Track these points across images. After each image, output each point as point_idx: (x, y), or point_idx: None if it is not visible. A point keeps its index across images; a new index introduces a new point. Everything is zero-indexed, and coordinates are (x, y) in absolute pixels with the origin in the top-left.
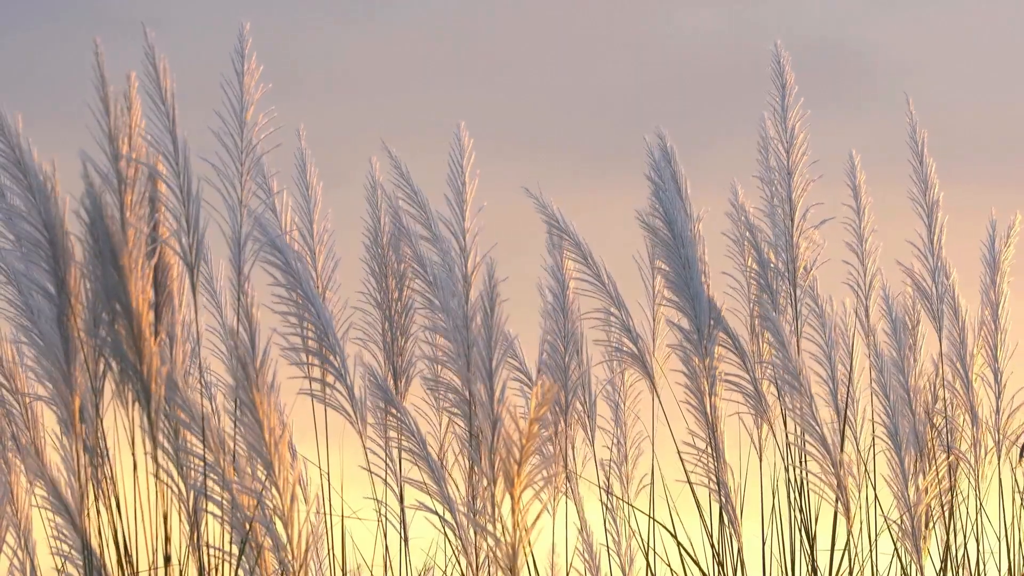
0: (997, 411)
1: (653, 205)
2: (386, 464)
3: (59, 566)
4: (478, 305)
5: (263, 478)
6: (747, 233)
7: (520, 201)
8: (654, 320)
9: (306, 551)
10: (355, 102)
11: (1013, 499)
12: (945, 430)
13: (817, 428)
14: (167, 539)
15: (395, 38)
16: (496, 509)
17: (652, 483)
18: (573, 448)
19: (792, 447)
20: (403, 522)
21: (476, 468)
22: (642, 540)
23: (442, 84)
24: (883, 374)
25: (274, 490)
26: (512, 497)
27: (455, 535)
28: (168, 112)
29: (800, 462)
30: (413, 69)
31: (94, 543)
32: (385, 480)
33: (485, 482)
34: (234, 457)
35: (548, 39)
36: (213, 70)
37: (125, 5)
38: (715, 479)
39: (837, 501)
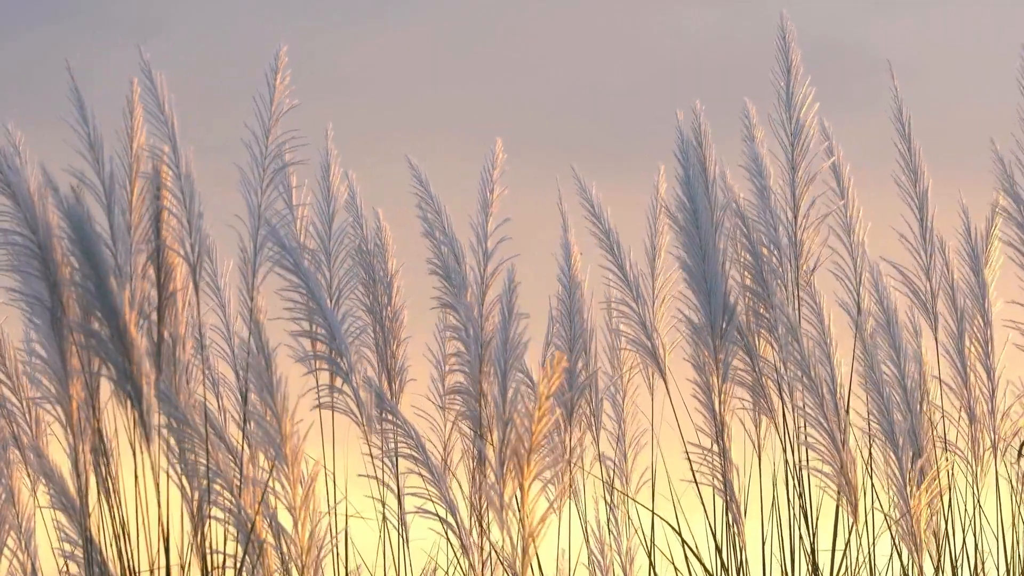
0: (991, 410)
1: (678, 192)
2: (383, 466)
3: (62, 566)
4: (496, 307)
5: (269, 476)
6: (739, 223)
7: (523, 200)
8: (654, 318)
9: (314, 549)
10: (360, 103)
11: (1012, 497)
12: (943, 427)
13: (825, 423)
14: (167, 540)
15: (399, 39)
16: (504, 507)
17: (653, 477)
18: (581, 447)
19: (793, 435)
20: (402, 521)
21: (480, 468)
22: (644, 537)
23: (444, 85)
24: (873, 370)
25: (287, 484)
26: (522, 489)
27: (457, 537)
28: (167, 121)
29: (802, 453)
30: (416, 70)
31: (96, 538)
32: (383, 482)
33: (492, 478)
34: (241, 459)
35: (549, 39)
36: (215, 70)
37: (127, 7)
38: (721, 477)
39: (840, 496)
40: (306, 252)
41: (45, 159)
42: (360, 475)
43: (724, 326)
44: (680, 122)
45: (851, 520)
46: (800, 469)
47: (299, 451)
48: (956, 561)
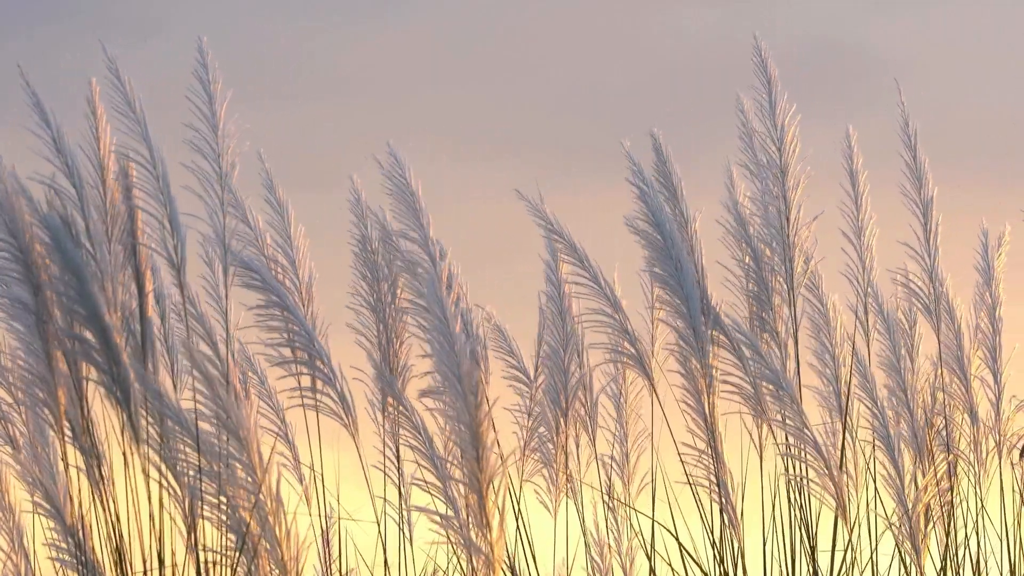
0: (997, 412)
1: (641, 209)
2: (384, 464)
3: (58, 569)
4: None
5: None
6: (740, 227)
7: (518, 202)
8: (652, 323)
9: (292, 550)
10: (354, 103)
11: (1014, 499)
12: (944, 431)
13: (809, 434)
14: (161, 541)
15: (399, 39)
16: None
17: (653, 483)
18: (578, 448)
19: (789, 448)
20: (408, 521)
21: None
22: (644, 541)
23: (440, 86)
24: (866, 378)
25: (262, 490)
26: (483, 499)
27: (457, 534)
28: (140, 120)
29: (796, 465)
30: (416, 70)
31: (89, 543)
32: (385, 476)
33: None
34: (226, 462)
35: (549, 39)
36: (216, 69)
37: (127, 7)
38: (714, 480)
39: (836, 505)
40: (273, 262)
41: (46, 160)
42: (374, 466)
43: (706, 331)
44: (627, 148)
45: (843, 524)
46: (794, 471)
47: (257, 453)
48: (959, 560)
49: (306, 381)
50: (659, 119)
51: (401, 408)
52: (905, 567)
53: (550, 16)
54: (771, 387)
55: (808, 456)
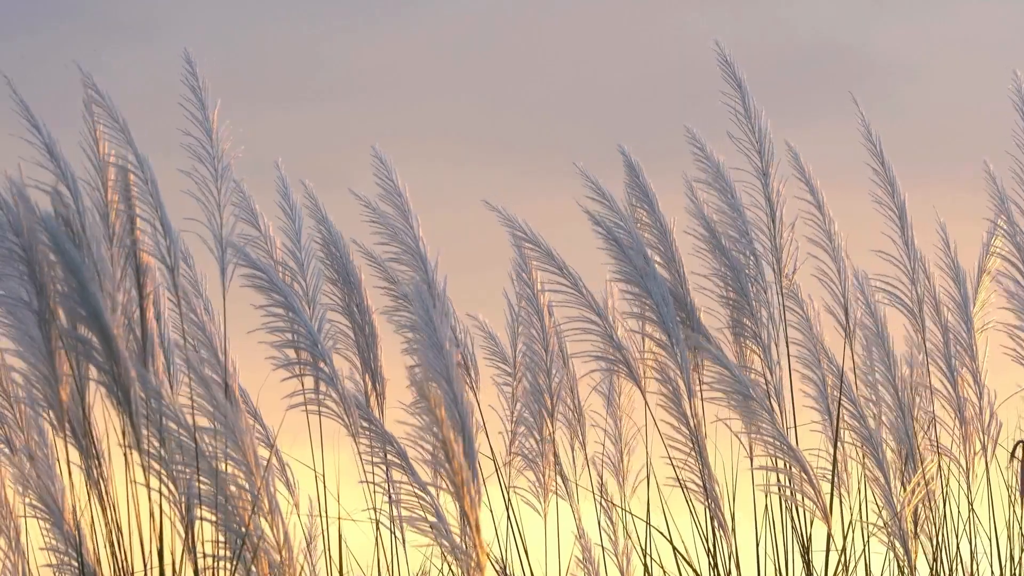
0: (979, 411)
1: (602, 217)
2: (373, 471)
3: (55, 569)
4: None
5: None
6: (712, 235)
7: (523, 201)
8: (643, 327)
9: (287, 551)
10: (356, 105)
11: (1009, 499)
12: (933, 432)
13: (782, 444)
14: (160, 542)
15: (396, 43)
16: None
17: (648, 486)
18: (572, 451)
19: (775, 462)
20: (399, 524)
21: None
22: (639, 542)
23: (440, 87)
24: (844, 380)
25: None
26: (462, 503)
27: (447, 541)
28: (123, 127)
29: (778, 471)
30: (412, 73)
31: (88, 544)
32: (374, 485)
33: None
34: (226, 461)
35: (549, 39)
36: (216, 72)
37: (129, 8)
38: (701, 483)
39: (808, 505)
40: (280, 266)
41: (39, 165)
42: (360, 482)
43: (680, 335)
44: (581, 168)
45: (836, 527)
46: (779, 487)
47: (254, 454)
48: (949, 559)
49: (309, 383)
50: (659, 119)
51: (374, 427)
52: (899, 567)
53: (550, 16)
54: (739, 397)
55: (787, 464)
